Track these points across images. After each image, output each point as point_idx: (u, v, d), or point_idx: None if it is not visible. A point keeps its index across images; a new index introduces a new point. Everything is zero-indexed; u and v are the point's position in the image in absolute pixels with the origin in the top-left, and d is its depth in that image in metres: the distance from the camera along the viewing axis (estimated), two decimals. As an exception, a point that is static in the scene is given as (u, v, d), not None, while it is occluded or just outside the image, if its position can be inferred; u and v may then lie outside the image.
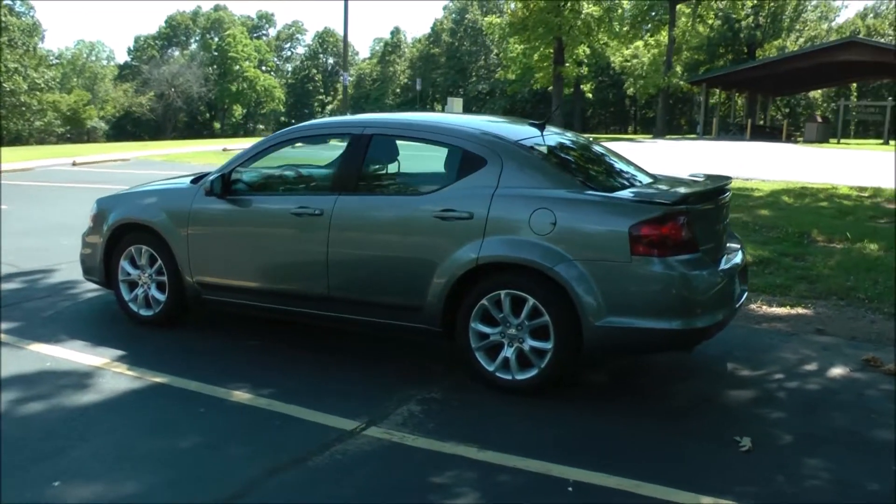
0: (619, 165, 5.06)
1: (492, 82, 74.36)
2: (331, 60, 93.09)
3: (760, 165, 20.42)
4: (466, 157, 4.62)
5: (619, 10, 44.13)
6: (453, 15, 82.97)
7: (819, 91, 61.69)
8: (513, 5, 44.36)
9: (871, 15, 64.11)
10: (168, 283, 5.47)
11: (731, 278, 4.52)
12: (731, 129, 45.26)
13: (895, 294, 6.74)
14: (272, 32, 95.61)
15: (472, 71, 79.18)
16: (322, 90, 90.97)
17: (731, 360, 5.09)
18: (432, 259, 4.50)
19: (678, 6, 44.61)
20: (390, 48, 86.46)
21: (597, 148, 5.31)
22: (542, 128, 4.96)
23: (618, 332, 4.14)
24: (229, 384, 4.51)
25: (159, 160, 22.25)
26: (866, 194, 13.67)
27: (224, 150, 25.98)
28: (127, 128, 72.55)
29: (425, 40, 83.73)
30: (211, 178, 5.23)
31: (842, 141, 43.16)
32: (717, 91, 43.76)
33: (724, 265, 4.53)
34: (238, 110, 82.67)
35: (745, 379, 4.82)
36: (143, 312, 5.64)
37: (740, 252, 5.01)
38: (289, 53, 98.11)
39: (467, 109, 40.77)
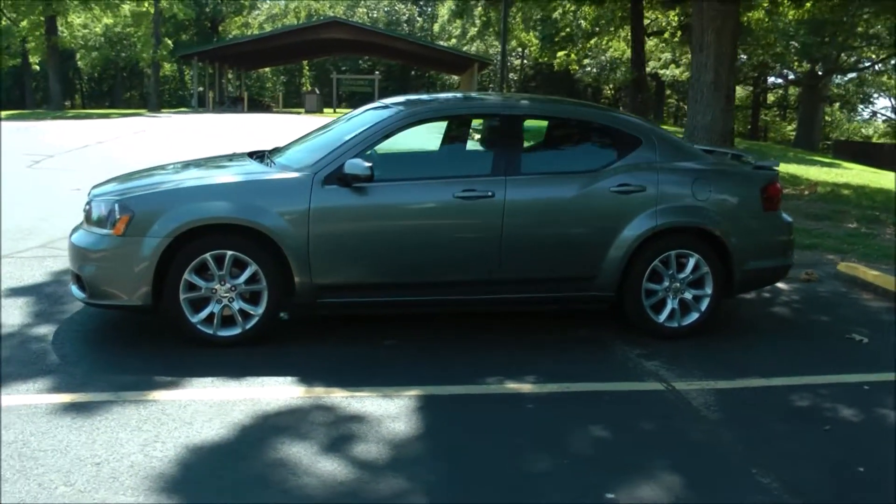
0: None
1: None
2: None
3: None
4: (623, 138, 5.11)
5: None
6: None
7: (269, 67, 65.67)
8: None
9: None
10: (268, 292, 4.53)
11: None
12: (225, 102, 46.21)
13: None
14: None
15: None
16: None
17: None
18: (609, 230, 4.92)
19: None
20: None
21: None
22: None
23: (756, 272, 5.26)
24: (482, 381, 4.27)
25: None
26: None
27: None
28: None
29: None
30: (346, 165, 4.51)
31: (337, 110, 47.66)
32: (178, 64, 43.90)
33: None
34: None
35: (766, 300, 6.29)
36: (221, 333, 4.53)
37: None
38: None
39: None
